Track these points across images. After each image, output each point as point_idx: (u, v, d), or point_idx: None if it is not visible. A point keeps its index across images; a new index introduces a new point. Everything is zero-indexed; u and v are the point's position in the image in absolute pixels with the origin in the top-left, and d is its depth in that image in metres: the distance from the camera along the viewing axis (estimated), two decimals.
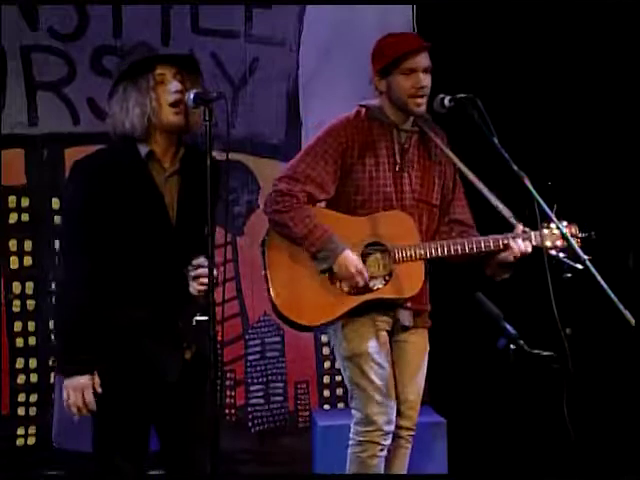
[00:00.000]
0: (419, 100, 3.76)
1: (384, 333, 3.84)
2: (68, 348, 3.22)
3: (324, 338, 5.13)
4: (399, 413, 3.88)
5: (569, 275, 3.35)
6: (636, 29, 5.17)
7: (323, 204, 3.91)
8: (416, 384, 3.94)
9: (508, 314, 3.21)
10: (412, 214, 3.85)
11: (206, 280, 3.11)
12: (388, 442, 3.84)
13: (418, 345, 3.95)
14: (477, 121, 3.48)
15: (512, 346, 3.13)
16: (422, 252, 3.77)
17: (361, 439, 3.82)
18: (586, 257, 3.28)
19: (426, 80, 3.77)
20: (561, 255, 3.43)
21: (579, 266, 3.29)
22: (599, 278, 3.21)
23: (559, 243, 3.71)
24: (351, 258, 3.72)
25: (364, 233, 3.81)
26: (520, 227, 3.78)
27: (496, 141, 3.47)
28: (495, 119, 3.47)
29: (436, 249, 3.78)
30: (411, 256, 3.77)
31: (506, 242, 3.76)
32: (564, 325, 3.25)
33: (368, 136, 3.82)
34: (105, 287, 3.21)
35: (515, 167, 3.44)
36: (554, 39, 5.27)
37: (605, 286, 3.19)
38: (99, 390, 3.21)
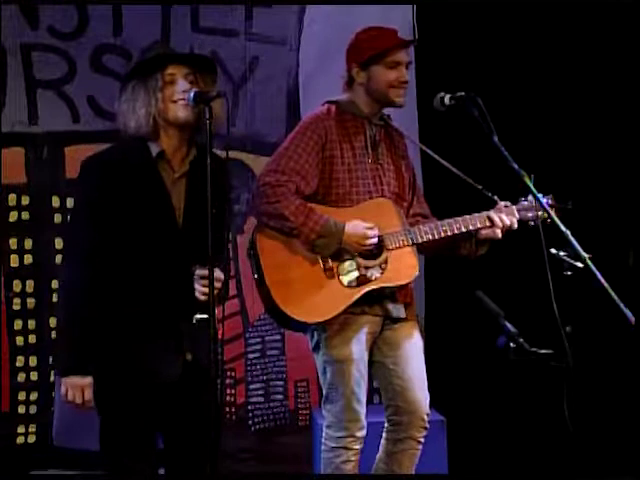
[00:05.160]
0: (401, 92, 3.80)
1: (369, 338, 3.80)
2: (70, 348, 3.20)
3: None
4: (408, 413, 3.82)
5: (569, 273, 3.34)
6: (632, 28, 5.17)
7: None
8: (421, 381, 3.88)
9: (508, 312, 3.21)
10: None
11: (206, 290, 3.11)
12: (360, 446, 3.80)
13: (414, 339, 3.87)
14: (477, 119, 3.48)
15: (512, 344, 3.13)
16: (413, 237, 3.76)
17: (333, 445, 3.81)
18: (586, 255, 3.28)
19: (408, 74, 3.83)
20: (561, 253, 3.42)
21: (579, 264, 3.29)
22: (599, 276, 3.21)
23: (540, 214, 3.75)
24: (355, 225, 3.68)
25: None
26: (501, 203, 3.81)
27: (496, 139, 3.47)
28: (495, 117, 3.47)
29: (426, 233, 3.76)
30: (403, 242, 3.75)
31: (491, 218, 3.77)
32: (564, 323, 3.25)
33: (343, 129, 3.81)
34: (109, 287, 3.20)
35: (515, 166, 3.43)
36: (553, 38, 5.28)
37: (605, 284, 3.19)
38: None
